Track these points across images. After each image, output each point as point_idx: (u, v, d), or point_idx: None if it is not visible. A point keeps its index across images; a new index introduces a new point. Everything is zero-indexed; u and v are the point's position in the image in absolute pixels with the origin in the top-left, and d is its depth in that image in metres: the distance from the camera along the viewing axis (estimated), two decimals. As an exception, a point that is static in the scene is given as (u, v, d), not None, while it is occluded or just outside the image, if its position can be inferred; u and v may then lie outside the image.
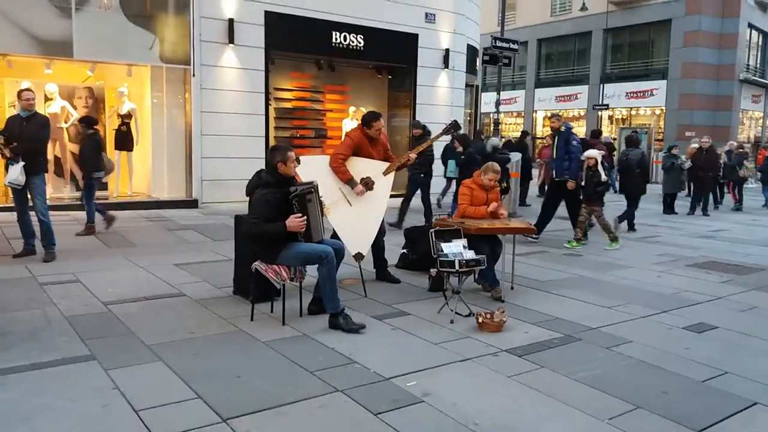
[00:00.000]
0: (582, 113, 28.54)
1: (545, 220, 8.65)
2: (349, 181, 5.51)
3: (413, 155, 5.82)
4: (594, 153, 8.25)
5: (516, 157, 11.79)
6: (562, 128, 8.57)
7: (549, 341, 4.41)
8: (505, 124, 31.76)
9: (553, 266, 7.05)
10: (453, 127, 5.97)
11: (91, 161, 8.10)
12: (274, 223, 4.36)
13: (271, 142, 12.00)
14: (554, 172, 8.67)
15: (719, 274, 6.88)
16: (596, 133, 10.60)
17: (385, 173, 5.68)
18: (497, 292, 5.49)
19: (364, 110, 14.07)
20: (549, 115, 8.94)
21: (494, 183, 5.79)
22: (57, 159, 11.19)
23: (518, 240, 6.11)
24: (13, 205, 6.84)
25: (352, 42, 13.08)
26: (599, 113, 26.54)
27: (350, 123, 13.43)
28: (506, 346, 4.26)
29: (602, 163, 8.15)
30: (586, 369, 3.90)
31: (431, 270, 5.64)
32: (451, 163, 10.33)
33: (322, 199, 4.74)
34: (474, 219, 5.62)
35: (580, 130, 28.53)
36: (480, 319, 4.59)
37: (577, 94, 28.64)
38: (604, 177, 8.01)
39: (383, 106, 14.58)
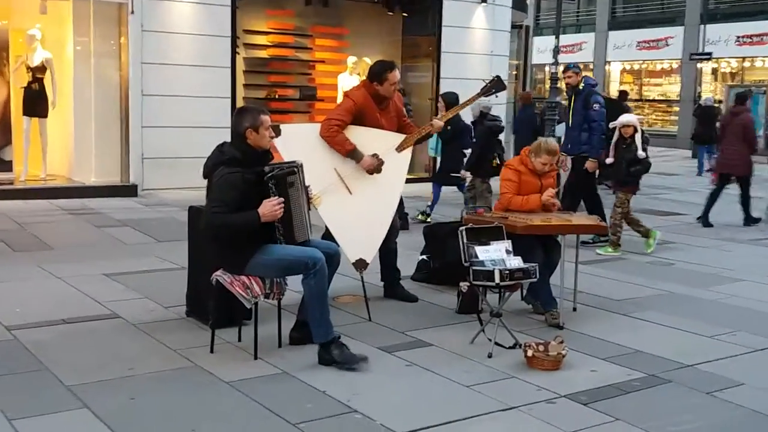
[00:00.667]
0: (674, 65, 28.36)
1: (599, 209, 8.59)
2: (352, 153, 5.50)
3: (439, 122, 5.80)
4: (631, 119, 8.02)
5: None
6: (581, 85, 8.46)
7: (626, 383, 4.40)
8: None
9: (631, 278, 7.03)
10: (495, 85, 5.92)
11: None
12: (242, 213, 4.36)
13: (239, 105, 12.01)
14: (569, 145, 8.56)
15: None
16: (742, 98, 10.42)
17: (400, 149, 5.66)
18: (554, 315, 5.48)
19: (368, 61, 14.04)
20: (563, 68, 8.79)
21: (551, 167, 5.77)
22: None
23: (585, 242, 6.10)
24: None
25: (353, -34, 13.04)
26: (698, 65, 26.33)
27: (349, 79, 13.40)
28: (566, 390, 4.25)
29: (643, 134, 7.99)
30: (678, 423, 3.88)
31: (461, 284, 5.63)
32: (432, 138, 10.16)
33: (309, 186, 4.75)
34: (521, 213, 5.61)
35: (673, 88, 28.35)
36: (530, 353, 4.58)
37: (668, 38, 28.42)
38: (641, 153, 7.85)
39: (396, 55, 14.56)
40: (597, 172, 8.77)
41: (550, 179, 5.85)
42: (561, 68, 11.91)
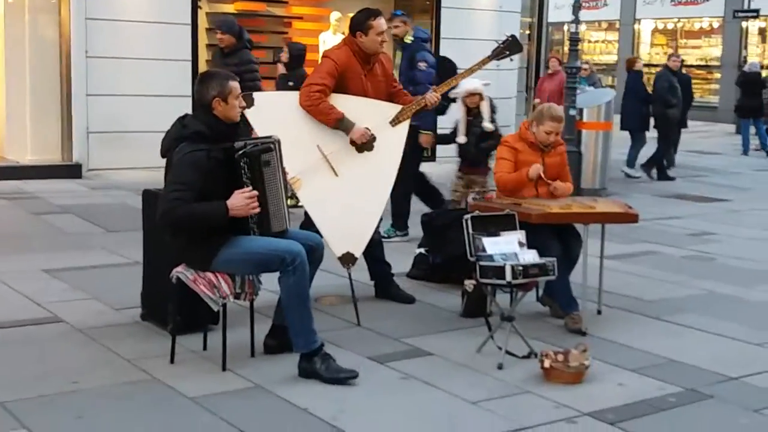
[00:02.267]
0: (715, 24, 28.38)
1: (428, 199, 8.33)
2: (340, 123, 5.47)
3: (436, 96, 5.75)
4: (476, 86, 7.62)
5: (606, 96, 11.74)
6: (408, 38, 8.19)
7: (659, 399, 4.42)
8: (589, 41, 31.61)
9: (666, 276, 7.06)
10: (509, 47, 5.88)
11: None
12: (208, 203, 4.36)
13: (203, 70, 11.95)
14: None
15: None
16: None
17: (395, 123, 5.66)
18: (575, 318, 5.50)
19: (355, 18, 13.97)
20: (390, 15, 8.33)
21: (556, 138, 5.74)
22: None
23: (611, 233, 6.11)
24: None
25: None
26: (743, 24, 26.39)
27: (333, 39, 13.35)
28: (590, 407, 4.27)
29: (491, 104, 7.64)
30: (721, 445, 3.92)
31: (466, 282, 5.65)
32: None
33: (286, 168, 4.73)
34: (536, 199, 5.61)
35: (713, 51, 28.28)
36: (547, 363, 4.60)
37: (708, -8, 28.44)
38: (488, 125, 7.60)
39: (387, 10, 14.41)
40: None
41: (555, 157, 5.82)
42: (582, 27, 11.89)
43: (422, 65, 7.95)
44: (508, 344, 4.86)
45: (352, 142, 5.53)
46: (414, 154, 7.72)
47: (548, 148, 5.75)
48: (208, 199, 4.36)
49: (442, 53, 13.84)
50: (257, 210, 4.43)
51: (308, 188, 5.40)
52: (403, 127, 5.66)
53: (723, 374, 4.80)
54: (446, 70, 8.34)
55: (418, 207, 8.55)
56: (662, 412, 4.26)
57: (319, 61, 5.90)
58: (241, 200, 4.37)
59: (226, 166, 4.43)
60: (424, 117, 7.70)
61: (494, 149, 7.53)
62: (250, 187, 4.42)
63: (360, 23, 5.62)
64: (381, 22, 5.62)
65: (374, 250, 5.98)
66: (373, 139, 5.56)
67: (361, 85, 5.66)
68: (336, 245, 5.47)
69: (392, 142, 5.63)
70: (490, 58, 5.91)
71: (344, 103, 5.57)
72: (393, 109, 5.69)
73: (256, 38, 13.94)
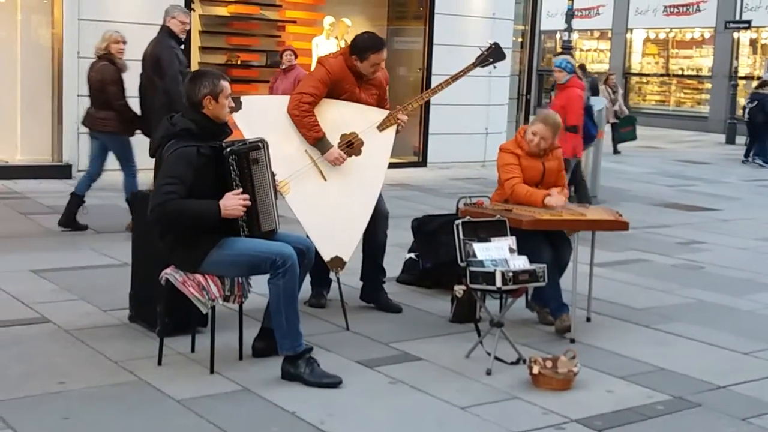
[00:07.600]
0: (706, 35, 28.51)
1: None
2: (319, 142, 5.51)
3: (404, 117, 5.75)
4: None
5: (597, 104, 11.78)
6: None
7: (647, 407, 4.43)
8: (581, 50, 31.71)
9: (655, 284, 7.07)
10: (492, 54, 5.91)
11: None
12: (200, 201, 4.35)
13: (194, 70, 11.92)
14: None
15: None
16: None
17: (382, 127, 5.67)
18: (563, 319, 5.50)
19: (348, 23, 13.98)
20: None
21: (551, 143, 5.73)
22: None
23: (601, 241, 6.11)
24: None
25: None
26: (734, 35, 26.51)
27: (326, 44, 13.38)
28: (578, 413, 4.28)
29: None
30: (709, 453, 3.93)
31: (456, 288, 5.64)
32: None
33: (275, 174, 4.73)
34: (526, 205, 5.61)
35: (704, 62, 28.42)
36: (535, 369, 4.61)
37: (700, 2, 28.58)
38: None
39: (381, 15, 14.53)
40: None
41: (554, 161, 5.83)
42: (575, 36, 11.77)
43: None
44: (497, 350, 4.86)
45: (341, 146, 5.56)
46: None
47: (544, 152, 5.75)
48: (197, 198, 4.36)
49: (435, 59, 13.91)
50: (243, 210, 4.41)
51: (297, 193, 5.39)
52: (390, 132, 5.69)
53: (711, 383, 4.81)
54: None
55: (408, 212, 8.55)
56: (650, 420, 4.27)
57: (313, 67, 5.89)
58: (234, 201, 4.37)
59: (215, 165, 4.43)
60: None
61: None
62: (240, 188, 4.43)
63: (360, 51, 5.60)
64: (381, 56, 5.62)
65: (376, 253, 5.93)
66: (361, 143, 5.58)
67: (355, 94, 5.68)
68: (325, 249, 5.46)
69: (380, 147, 5.66)
70: (473, 66, 5.95)
71: (333, 108, 5.59)
72: (380, 114, 5.71)
73: (249, 41, 14.00)
